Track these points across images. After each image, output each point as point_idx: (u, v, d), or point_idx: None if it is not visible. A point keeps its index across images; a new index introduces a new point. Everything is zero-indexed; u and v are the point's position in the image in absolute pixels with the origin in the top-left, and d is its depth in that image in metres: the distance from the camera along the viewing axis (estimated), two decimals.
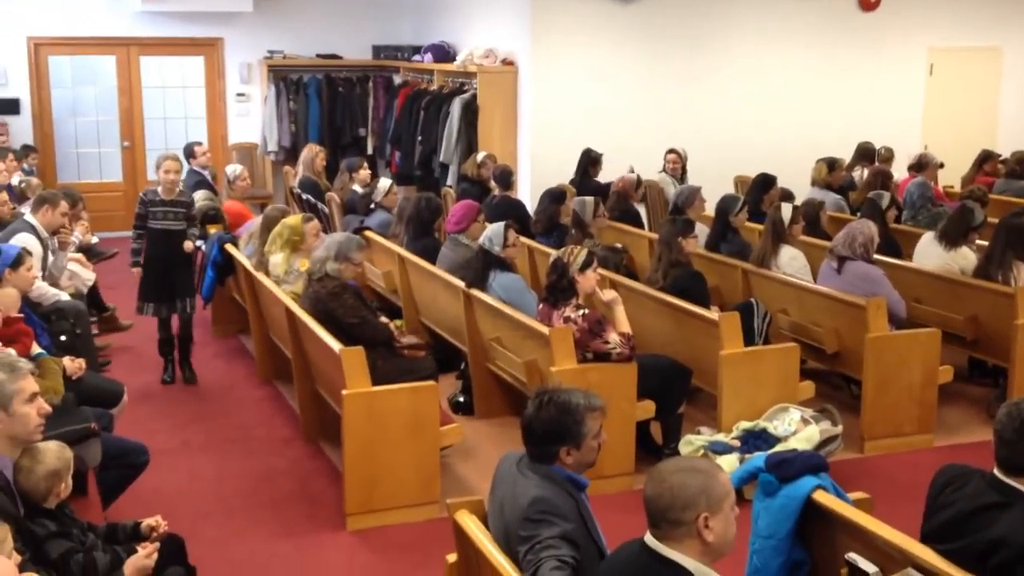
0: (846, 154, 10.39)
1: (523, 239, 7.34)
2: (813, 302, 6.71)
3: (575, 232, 7.73)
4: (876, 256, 6.84)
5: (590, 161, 10.01)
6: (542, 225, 8.32)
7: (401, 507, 5.26)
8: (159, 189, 7.07)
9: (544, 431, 3.29)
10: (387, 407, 5.20)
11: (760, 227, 7.58)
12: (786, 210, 7.19)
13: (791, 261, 7.06)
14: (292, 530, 5.22)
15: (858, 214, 8.24)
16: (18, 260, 5.62)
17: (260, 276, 7.02)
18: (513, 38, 11.18)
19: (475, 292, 6.45)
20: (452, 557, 3.60)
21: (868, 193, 8.44)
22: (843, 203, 9.46)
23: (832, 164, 9.70)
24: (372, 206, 9.09)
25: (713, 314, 6.05)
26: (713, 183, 9.26)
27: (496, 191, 9.35)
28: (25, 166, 10.75)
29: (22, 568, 3.02)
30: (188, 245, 7.11)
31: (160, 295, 7.11)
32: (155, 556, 3.60)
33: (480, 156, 10.01)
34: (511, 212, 8.39)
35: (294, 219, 7.10)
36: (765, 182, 8.75)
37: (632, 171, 9.46)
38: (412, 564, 4.87)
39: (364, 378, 5.21)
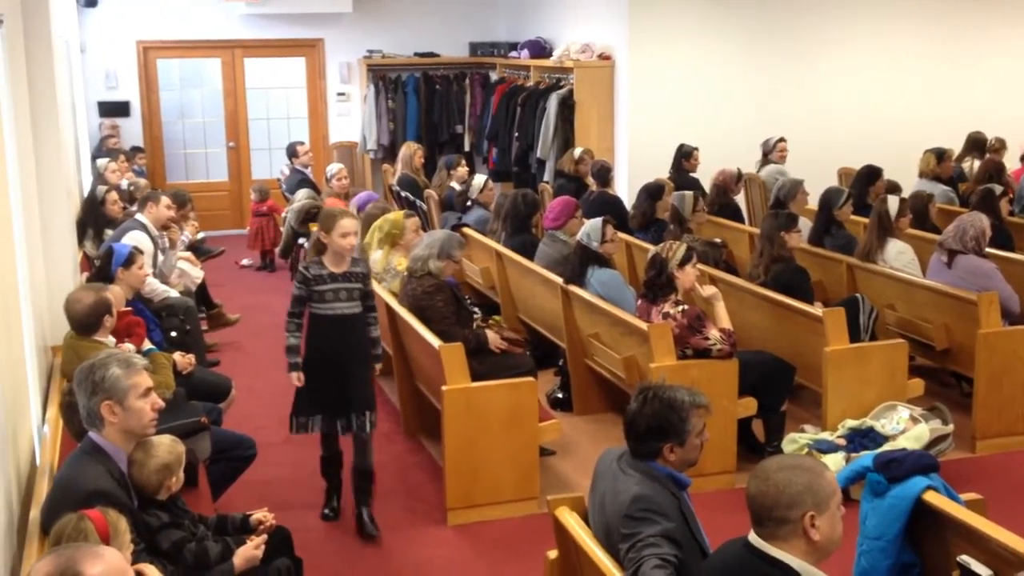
0: (955, 144, 10.07)
1: (621, 235, 7.30)
2: (922, 297, 6.53)
3: (674, 227, 7.66)
4: (988, 249, 6.63)
5: (683, 155, 9.91)
6: (639, 220, 8.27)
7: (501, 502, 5.29)
8: (325, 260, 5.11)
9: (648, 427, 3.27)
10: (486, 403, 5.23)
11: (865, 220, 7.42)
12: (893, 203, 7.02)
13: (898, 255, 6.88)
14: (393, 523, 5.28)
15: (969, 206, 7.99)
16: (130, 259, 5.80)
17: None
18: (610, 32, 11.12)
19: (573, 288, 6.43)
20: (552, 553, 3.60)
21: (979, 185, 8.18)
22: (952, 195, 9.19)
23: (941, 155, 9.42)
24: (469, 203, 9.14)
25: (817, 310, 5.94)
26: (815, 176, 9.07)
27: (593, 187, 9.32)
28: (135, 167, 11.12)
29: (136, 558, 3.11)
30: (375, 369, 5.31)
31: (328, 406, 5.17)
32: (263, 547, 3.68)
33: (577, 152, 9.99)
34: (609, 208, 8.36)
35: (395, 215, 7.16)
36: (871, 174, 8.56)
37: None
38: (512, 560, 4.89)
39: (464, 374, 5.25)
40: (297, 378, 5.17)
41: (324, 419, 5.20)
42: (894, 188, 8.43)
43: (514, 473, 5.30)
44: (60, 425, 4.34)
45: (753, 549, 2.73)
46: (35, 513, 3.58)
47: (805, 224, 7.47)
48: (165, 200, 7.43)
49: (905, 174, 9.40)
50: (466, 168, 10.11)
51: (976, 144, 10.24)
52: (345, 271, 5.10)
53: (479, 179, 9.26)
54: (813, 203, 8.00)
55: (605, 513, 3.28)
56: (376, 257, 7.05)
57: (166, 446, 3.62)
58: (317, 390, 5.16)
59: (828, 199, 7.54)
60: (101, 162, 9.69)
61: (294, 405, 5.26)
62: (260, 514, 3.90)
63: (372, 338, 5.25)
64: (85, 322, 4.89)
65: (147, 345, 5.43)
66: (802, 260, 6.84)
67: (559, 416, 6.21)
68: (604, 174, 9.24)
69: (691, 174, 9.78)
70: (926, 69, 11.58)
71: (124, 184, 9.51)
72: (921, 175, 9.46)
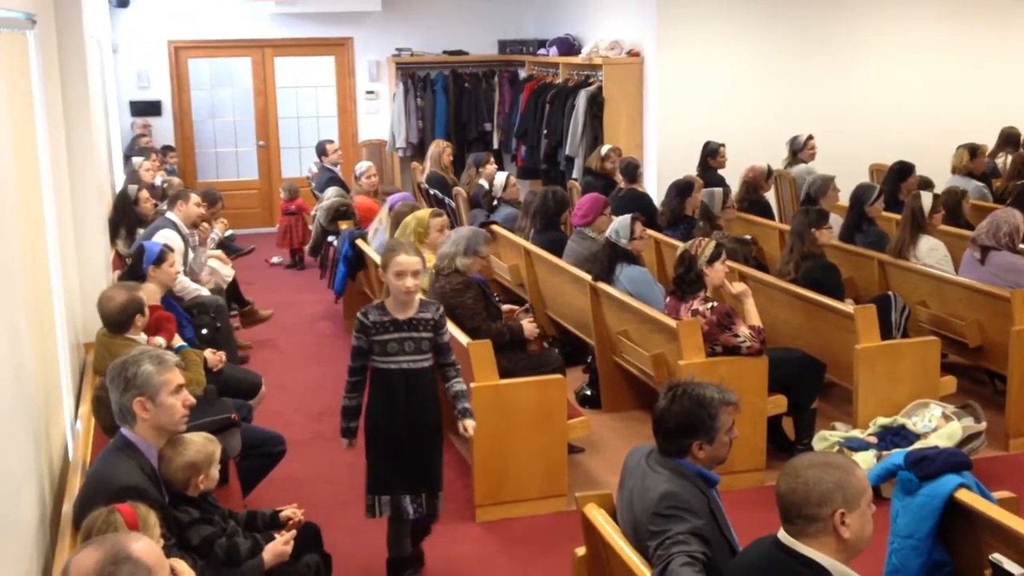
0: (987, 140, 9.96)
1: (650, 232, 7.28)
2: (954, 294, 6.47)
3: (703, 224, 7.63)
4: (1022, 246, 6.55)
5: (710, 152, 9.84)
6: (668, 217, 8.25)
7: (529, 499, 5.29)
8: (388, 304, 4.34)
9: (677, 424, 3.25)
10: (515, 400, 5.24)
11: (897, 217, 7.35)
12: (925, 199, 6.95)
13: (931, 252, 6.82)
14: None
15: (1002, 202, 7.90)
16: (161, 257, 5.85)
17: None
18: (639, 29, 11.09)
19: (602, 285, 6.42)
20: (581, 550, 3.60)
21: (1012, 180, 8.08)
22: (986, 191, 9.10)
23: (974, 150, 9.33)
24: (495, 202, 9.15)
25: (848, 307, 5.89)
26: (846, 172, 9.00)
27: (622, 184, 9.30)
28: (168, 166, 11.21)
29: (167, 553, 3.13)
30: (467, 427, 4.45)
31: (397, 482, 4.39)
32: (292, 543, 3.70)
33: (605, 149, 9.97)
34: (637, 205, 8.33)
35: (422, 212, 7.18)
36: (903, 170, 8.48)
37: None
38: (540, 556, 4.89)
39: (492, 371, 5.25)
40: (348, 444, 4.47)
41: (393, 500, 4.38)
42: (926, 184, 8.35)
43: (542, 470, 5.30)
44: (92, 421, 4.39)
45: (782, 547, 2.72)
46: (67, 508, 3.62)
47: (836, 221, 7.42)
48: (194, 198, 7.48)
49: (937, 170, 9.31)
50: (495, 166, 10.11)
51: (1009, 139, 10.13)
52: (411, 317, 4.29)
53: (501, 177, 9.27)
54: (844, 199, 7.94)
55: (633, 510, 3.27)
56: None
57: (197, 444, 3.64)
58: (380, 465, 4.38)
59: (859, 195, 7.48)
60: (136, 160, 9.78)
61: (366, 482, 4.46)
62: (289, 510, 3.93)
63: (454, 392, 4.42)
64: (117, 320, 4.94)
65: (178, 342, 5.47)
66: (833, 257, 6.80)
67: (587, 413, 6.20)
68: (632, 170, 9.21)
69: (718, 171, 9.73)
70: (958, 64, 11.45)
71: (158, 181, 9.58)
72: (954, 171, 9.37)
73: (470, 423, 4.41)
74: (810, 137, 10.16)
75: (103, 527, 2.97)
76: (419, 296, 4.35)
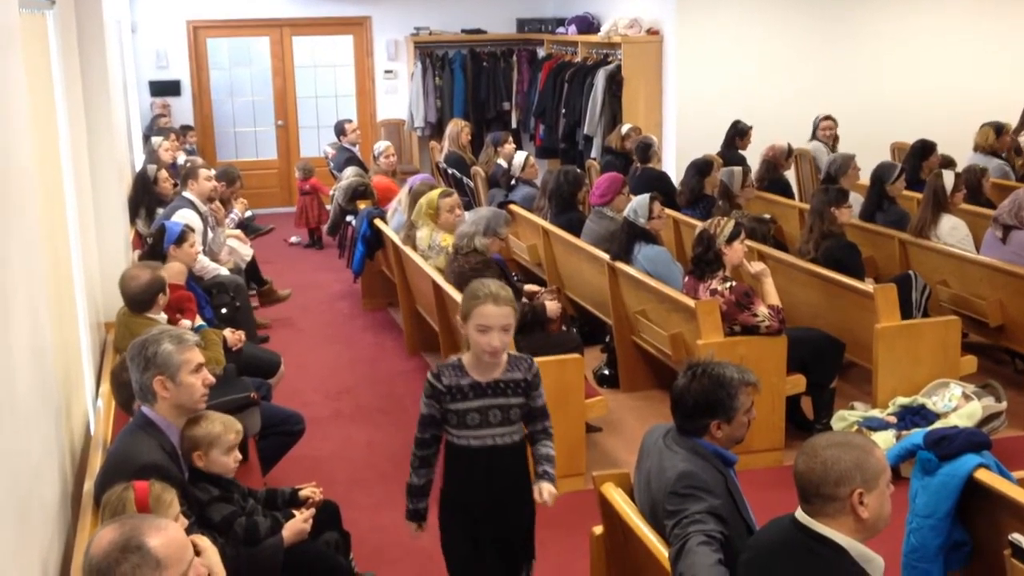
0: (1007, 118, 9.85)
1: (668, 211, 7.25)
2: (976, 273, 6.42)
3: (722, 203, 7.60)
4: None
5: (738, 133, 9.79)
6: (687, 197, 8.21)
7: None
8: (466, 362, 3.50)
9: (696, 403, 3.25)
10: None
11: (918, 196, 7.30)
12: (947, 177, 6.90)
13: (952, 231, 6.77)
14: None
15: None
16: (182, 237, 5.87)
17: (407, 250, 7.14)
18: (658, 7, 11.02)
19: (620, 265, 6.41)
20: (598, 529, 3.60)
21: None
22: (1008, 169, 9.01)
23: (1000, 129, 9.23)
24: (513, 181, 9.13)
25: (868, 286, 5.86)
26: (866, 150, 8.93)
27: (637, 164, 9.26)
28: (187, 146, 11.23)
29: (188, 531, 3.16)
30: (543, 491, 3.56)
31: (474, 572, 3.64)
32: (311, 521, 3.73)
33: (624, 128, 9.92)
34: (656, 184, 8.30)
35: (431, 193, 7.17)
36: (924, 148, 8.41)
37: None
38: (558, 535, 4.90)
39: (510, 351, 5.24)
40: (416, 529, 3.70)
41: None
42: (948, 163, 8.29)
43: (560, 449, 5.21)
44: (113, 399, 4.42)
45: (800, 526, 2.72)
46: (89, 486, 3.65)
47: (857, 199, 7.37)
48: (205, 172, 7.50)
49: (959, 148, 9.23)
50: (513, 145, 10.09)
51: None
52: (496, 379, 3.46)
53: (520, 157, 9.24)
54: (865, 178, 7.89)
55: (651, 490, 3.27)
56: (422, 235, 7.08)
57: (206, 422, 3.62)
58: (460, 552, 3.63)
59: (880, 174, 7.43)
60: (155, 140, 9.81)
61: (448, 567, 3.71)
62: (309, 489, 3.95)
63: (540, 454, 3.65)
64: (140, 299, 4.96)
65: (198, 321, 5.50)
66: (853, 236, 6.76)
67: (605, 393, 6.21)
68: (645, 151, 9.16)
69: (740, 152, 9.67)
70: (981, 42, 11.34)
71: (181, 160, 9.60)
72: (977, 148, 9.28)
73: (548, 488, 3.54)
74: (825, 118, 10.09)
75: (116, 503, 3.00)
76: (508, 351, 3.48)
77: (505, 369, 3.48)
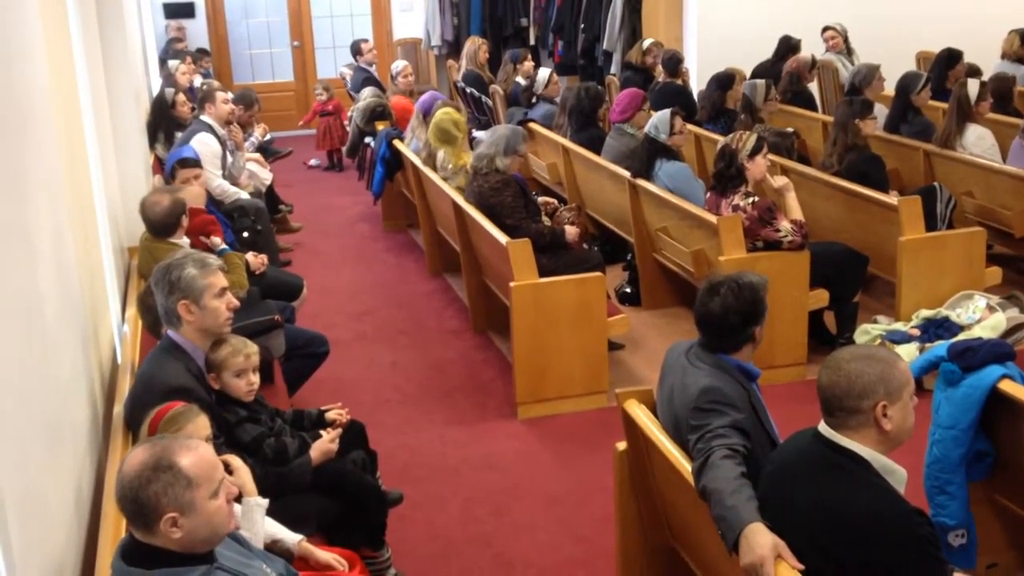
0: None
1: (689, 126, 7.17)
2: (1002, 184, 6.34)
3: (744, 117, 7.50)
4: None
5: (789, 48, 9.51)
6: (709, 111, 8.11)
7: (570, 396, 5.33)
8: None
9: (742, 317, 3.24)
10: (554, 298, 5.24)
11: (944, 106, 7.18)
12: (973, 86, 6.77)
13: (978, 141, 6.67)
14: (464, 418, 5.37)
15: None
16: (173, 170, 5.84)
17: (427, 171, 7.11)
18: None
19: (641, 182, 6.36)
20: (621, 445, 3.64)
21: None
22: None
23: None
24: (534, 99, 9.03)
25: (892, 199, 5.80)
26: (892, 60, 8.75)
27: (660, 78, 9.13)
28: (202, 70, 11.15)
29: (217, 451, 3.21)
30: None
31: None
32: (338, 441, 3.78)
33: (647, 43, 9.76)
34: (676, 98, 8.20)
35: (438, 115, 7.11)
36: (950, 57, 8.25)
37: None
38: (581, 452, 4.96)
39: (531, 270, 5.25)
40: None
41: None
42: (974, 72, 8.12)
43: (583, 367, 5.33)
44: (139, 324, 4.46)
45: (823, 439, 2.73)
46: (118, 409, 3.70)
47: (881, 111, 7.26)
48: (222, 95, 7.45)
49: (986, 55, 9.04)
50: (532, 63, 9.96)
51: None
52: None
53: (543, 73, 9.12)
54: (890, 88, 7.75)
55: (674, 405, 3.29)
56: (441, 156, 7.04)
57: (221, 344, 3.65)
58: None
59: (905, 84, 7.30)
60: (172, 64, 9.74)
61: None
62: (335, 412, 3.98)
63: None
64: (163, 224, 4.95)
65: (221, 245, 5.51)
66: (878, 148, 6.66)
67: (627, 311, 6.21)
68: (674, 64, 9.02)
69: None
70: None
71: (197, 82, 9.54)
72: (1003, 56, 9.10)
73: None
74: (825, 28, 9.85)
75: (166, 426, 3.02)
76: None
77: None
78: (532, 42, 13.00)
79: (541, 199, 6.42)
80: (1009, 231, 6.25)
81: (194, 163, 5.92)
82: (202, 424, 3.06)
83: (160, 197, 5.03)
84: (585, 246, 6.22)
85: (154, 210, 4.96)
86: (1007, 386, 3.43)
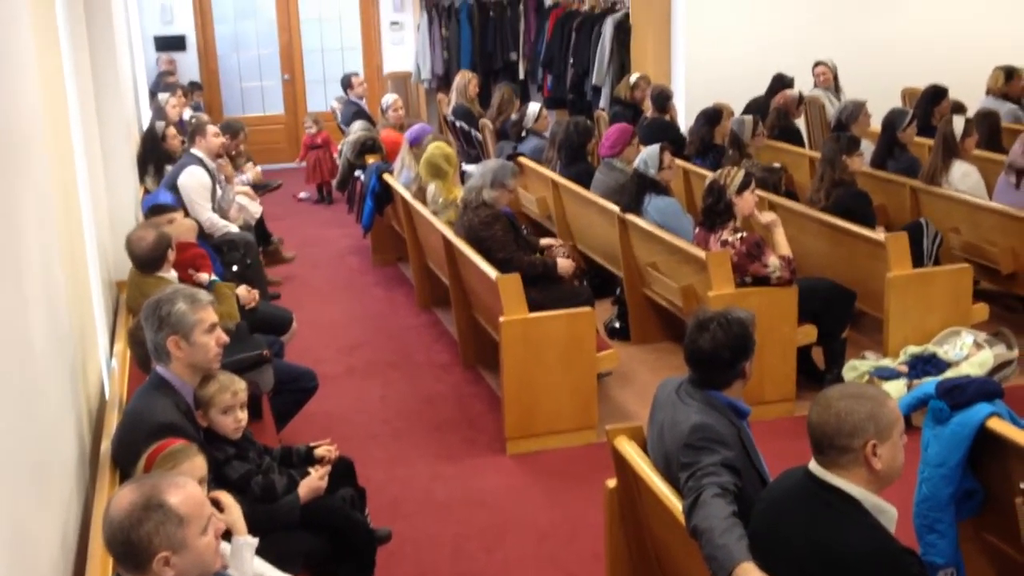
0: (1022, 62, 9.73)
1: (678, 161, 7.20)
2: (988, 220, 6.38)
3: (732, 152, 7.54)
4: None
5: (783, 85, 9.58)
6: (697, 146, 8.15)
7: (559, 432, 5.32)
8: None
9: (732, 352, 3.26)
10: (544, 333, 5.24)
11: (930, 142, 7.23)
12: (958, 123, 6.83)
13: (964, 177, 6.71)
14: (454, 453, 5.35)
15: None
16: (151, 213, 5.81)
17: (417, 205, 7.13)
18: None
19: (630, 216, 6.39)
20: (612, 482, 3.63)
21: None
22: (1021, 113, 8.93)
23: (1011, 73, 9.14)
24: (524, 132, 9.07)
25: (879, 235, 5.83)
26: (877, 97, 8.83)
27: (649, 112, 9.18)
28: (194, 102, 11.18)
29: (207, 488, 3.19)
30: None
31: None
32: (327, 478, 3.76)
33: (634, 77, 9.83)
34: (664, 134, 8.24)
35: (429, 149, 7.14)
36: (936, 94, 8.32)
37: None
38: (571, 488, 4.94)
39: (521, 304, 5.26)
40: None
41: None
42: (959, 108, 8.19)
43: (572, 403, 5.33)
44: (128, 359, 4.44)
45: (814, 477, 2.73)
46: (106, 445, 3.68)
47: (868, 147, 7.31)
48: (212, 128, 7.46)
49: (971, 93, 9.13)
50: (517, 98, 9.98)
51: None
52: None
53: (533, 107, 9.16)
54: (876, 125, 7.82)
55: (664, 442, 3.29)
56: (432, 190, 7.06)
57: (209, 381, 3.64)
58: None
59: (891, 121, 7.36)
60: (162, 96, 9.77)
61: None
62: (323, 448, 3.96)
63: None
64: (148, 259, 4.95)
65: (212, 276, 5.50)
66: (864, 184, 6.71)
67: (617, 345, 6.21)
68: (663, 100, 9.08)
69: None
70: None
71: (187, 116, 9.56)
72: (988, 93, 9.19)
73: None
74: (817, 64, 9.94)
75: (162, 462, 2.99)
76: None
77: None
78: (522, 76, 13.09)
79: (544, 241, 6.44)
80: (995, 267, 6.29)
81: (170, 208, 5.86)
82: (199, 464, 3.02)
83: (145, 232, 5.03)
84: (576, 283, 6.23)
85: (140, 245, 4.95)
86: (995, 424, 3.44)
